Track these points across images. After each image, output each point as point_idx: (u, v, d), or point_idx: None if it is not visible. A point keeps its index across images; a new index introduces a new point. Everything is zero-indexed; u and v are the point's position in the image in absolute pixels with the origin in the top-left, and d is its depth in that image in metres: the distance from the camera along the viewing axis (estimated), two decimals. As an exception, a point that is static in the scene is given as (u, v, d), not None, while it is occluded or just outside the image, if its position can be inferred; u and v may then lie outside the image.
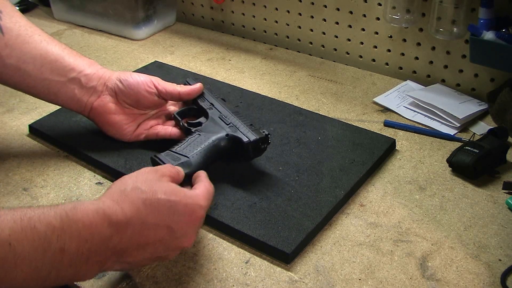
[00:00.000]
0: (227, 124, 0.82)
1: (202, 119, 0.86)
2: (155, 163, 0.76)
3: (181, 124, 0.86)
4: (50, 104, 1.03)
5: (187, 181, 0.69)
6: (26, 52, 0.81)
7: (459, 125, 0.95)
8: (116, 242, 0.57)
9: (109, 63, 1.21)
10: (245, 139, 0.78)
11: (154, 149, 0.83)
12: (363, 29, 1.15)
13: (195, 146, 0.78)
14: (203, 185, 0.66)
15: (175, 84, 0.88)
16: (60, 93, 0.84)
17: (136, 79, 0.85)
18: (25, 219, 0.51)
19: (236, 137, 0.79)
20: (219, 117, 0.84)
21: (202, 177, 0.69)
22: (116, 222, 0.56)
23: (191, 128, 0.83)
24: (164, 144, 0.82)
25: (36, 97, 0.86)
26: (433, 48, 1.07)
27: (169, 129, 0.87)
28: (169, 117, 0.90)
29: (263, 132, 0.80)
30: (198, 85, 0.89)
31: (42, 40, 0.83)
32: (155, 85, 0.85)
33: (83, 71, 0.84)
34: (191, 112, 0.89)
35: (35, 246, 0.50)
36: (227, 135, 0.80)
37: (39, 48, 0.82)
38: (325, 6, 1.18)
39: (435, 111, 0.98)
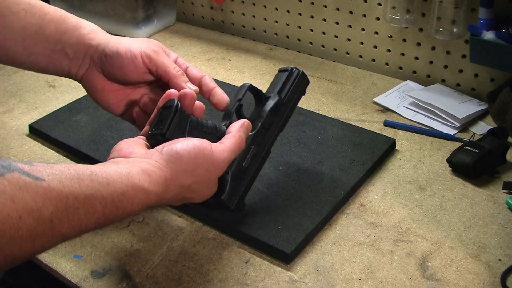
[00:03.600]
0: None
1: None
2: None
3: None
4: (50, 104, 1.04)
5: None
6: (5, 27, 0.74)
7: (459, 125, 0.95)
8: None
9: (109, 63, 1.21)
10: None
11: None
12: (363, 29, 1.15)
13: None
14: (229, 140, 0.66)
15: (170, 65, 0.74)
16: (50, 66, 0.77)
17: (121, 56, 0.72)
18: (71, 199, 0.50)
19: None
20: None
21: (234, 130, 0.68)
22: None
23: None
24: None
25: (31, 71, 0.81)
26: (433, 48, 1.07)
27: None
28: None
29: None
30: (191, 90, 0.71)
31: (19, 10, 0.74)
32: (144, 62, 0.73)
33: (67, 41, 0.75)
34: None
35: (74, 225, 0.51)
36: None
37: (17, 20, 0.74)
38: (325, 6, 1.18)
39: (435, 111, 0.98)
